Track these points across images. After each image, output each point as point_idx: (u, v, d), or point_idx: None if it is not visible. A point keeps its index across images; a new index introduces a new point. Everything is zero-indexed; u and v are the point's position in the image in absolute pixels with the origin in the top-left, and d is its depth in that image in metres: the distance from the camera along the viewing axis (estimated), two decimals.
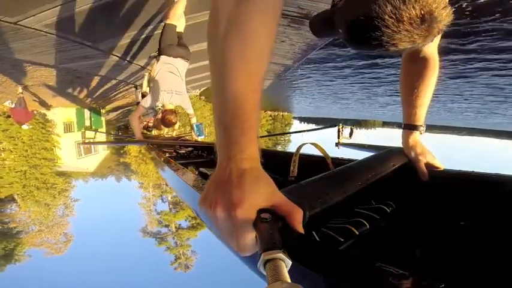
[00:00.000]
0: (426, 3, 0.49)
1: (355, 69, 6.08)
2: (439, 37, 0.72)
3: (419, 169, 0.77)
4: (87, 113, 12.66)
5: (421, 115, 0.82)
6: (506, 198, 0.63)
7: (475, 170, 0.72)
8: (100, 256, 20.28)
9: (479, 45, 3.79)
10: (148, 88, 4.16)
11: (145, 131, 4.66)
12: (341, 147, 1.75)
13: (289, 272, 0.25)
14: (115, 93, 7.65)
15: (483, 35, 3.43)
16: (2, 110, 9.17)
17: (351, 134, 1.75)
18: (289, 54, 4.89)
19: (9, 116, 9.37)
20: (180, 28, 2.76)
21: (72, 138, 12.82)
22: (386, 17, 0.50)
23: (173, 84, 2.77)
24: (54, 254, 16.35)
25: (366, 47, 0.59)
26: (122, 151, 20.38)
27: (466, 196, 0.68)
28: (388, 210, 0.69)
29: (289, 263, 0.26)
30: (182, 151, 2.20)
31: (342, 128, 1.76)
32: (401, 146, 0.86)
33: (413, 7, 0.49)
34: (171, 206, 19.20)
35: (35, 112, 9.68)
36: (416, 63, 0.80)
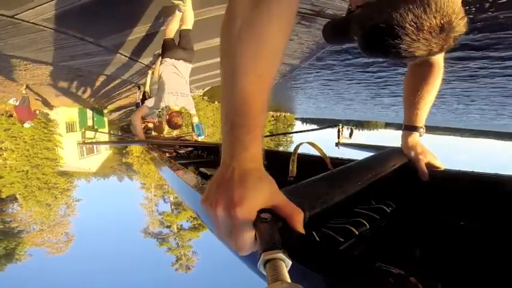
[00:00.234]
0: (446, 13, 0.49)
1: (362, 68, 5.99)
2: None
3: (420, 169, 0.77)
4: (89, 112, 12.71)
5: (422, 117, 0.83)
6: (506, 198, 0.62)
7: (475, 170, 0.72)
8: (101, 256, 20.40)
9: (488, 44, 3.73)
10: (149, 88, 4.17)
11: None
12: (341, 147, 1.75)
13: (289, 272, 0.25)
14: (118, 92, 7.58)
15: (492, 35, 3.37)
16: (4, 109, 9.19)
17: (350, 134, 1.76)
18: (297, 54, 4.75)
19: (11, 115, 9.41)
20: (189, 25, 2.74)
21: (75, 138, 12.82)
22: (407, 25, 0.50)
23: (178, 86, 2.79)
24: (55, 253, 16.39)
25: (382, 54, 0.59)
26: (124, 151, 20.43)
27: (466, 196, 0.68)
28: (388, 210, 0.69)
29: (289, 263, 0.26)
30: (182, 151, 2.20)
31: (342, 128, 1.76)
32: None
33: (434, 16, 0.49)
34: (173, 206, 19.21)
35: (38, 112, 9.72)
36: (422, 65, 0.80)
